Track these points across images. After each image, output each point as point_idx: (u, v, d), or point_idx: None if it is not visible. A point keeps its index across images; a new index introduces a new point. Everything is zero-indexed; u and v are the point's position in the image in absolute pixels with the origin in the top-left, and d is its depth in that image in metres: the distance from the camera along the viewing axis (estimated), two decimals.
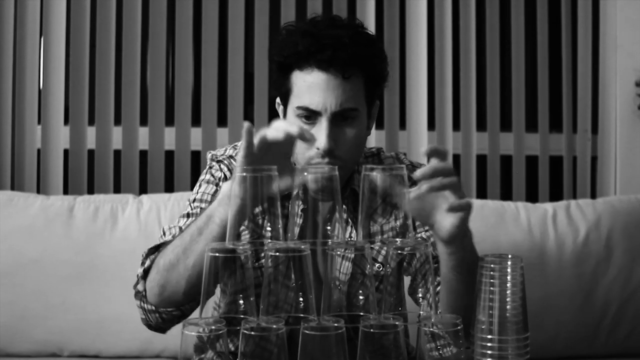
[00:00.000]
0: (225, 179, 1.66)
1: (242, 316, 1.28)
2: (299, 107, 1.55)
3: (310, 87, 1.54)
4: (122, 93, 2.71)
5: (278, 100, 1.67)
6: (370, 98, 1.62)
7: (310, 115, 1.55)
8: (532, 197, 2.85)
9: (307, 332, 1.16)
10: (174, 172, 2.73)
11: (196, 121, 2.76)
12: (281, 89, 1.61)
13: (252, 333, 1.18)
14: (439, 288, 1.54)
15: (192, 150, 2.74)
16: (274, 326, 1.18)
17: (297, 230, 1.58)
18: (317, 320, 1.21)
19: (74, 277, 2.26)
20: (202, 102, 2.74)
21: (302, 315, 1.26)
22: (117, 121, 2.72)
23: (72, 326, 2.25)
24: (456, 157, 2.82)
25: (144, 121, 2.73)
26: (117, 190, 2.70)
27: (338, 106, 1.53)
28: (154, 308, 1.55)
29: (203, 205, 1.64)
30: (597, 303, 2.35)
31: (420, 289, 1.64)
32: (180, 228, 1.61)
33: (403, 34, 2.81)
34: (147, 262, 1.57)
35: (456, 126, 2.83)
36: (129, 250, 2.27)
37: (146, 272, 1.56)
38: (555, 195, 2.87)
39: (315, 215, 1.55)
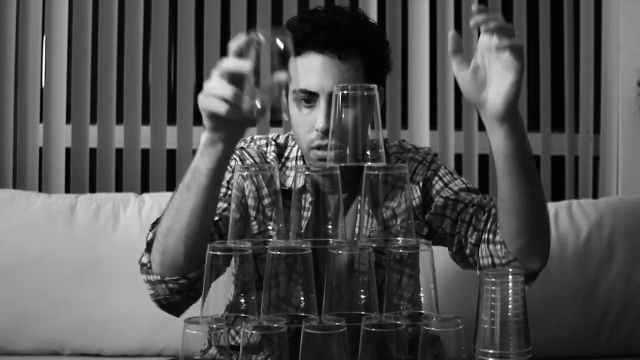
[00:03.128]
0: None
1: (243, 315, 1.28)
2: (295, 91, 1.56)
3: (307, 69, 1.55)
4: (124, 91, 2.71)
5: (283, 92, 1.67)
6: (370, 81, 1.61)
7: (309, 98, 1.55)
8: None
9: (308, 331, 1.16)
10: (175, 171, 2.73)
11: (198, 120, 2.75)
12: None
13: (254, 332, 1.18)
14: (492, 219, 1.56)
15: (194, 148, 2.74)
16: (275, 325, 1.18)
17: (304, 223, 1.58)
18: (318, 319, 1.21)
19: (76, 275, 2.26)
20: None
21: (303, 314, 1.26)
22: (119, 120, 2.72)
23: (73, 324, 2.25)
24: (458, 157, 2.82)
25: (145, 120, 2.73)
26: (118, 188, 2.70)
27: (335, 87, 1.52)
28: (159, 278, 1.52)
29: (222, 190, 1.62)
30: (599, 303, 2.35)
31: (471, 237, 1.61)
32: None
33: (405, 33, 2.81)
34: (150, 235, 1.55)
35: (458, 126, 2.83)
36: (131, 248, 2.26)
37: (149, 245, 1.54)
38: (557, 195, 2.86)
39: (326, 208, 1.55)
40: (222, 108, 1.26)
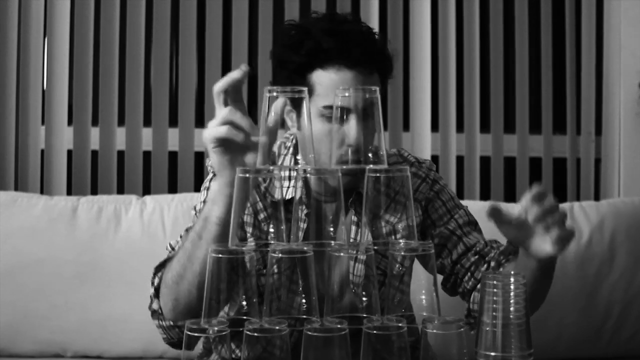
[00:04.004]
0: None
1: (245, 317, 1.28)
2: (326, 107, 1.53)
3: (338, 85, 1.52)
4: (126, 94, 2.71)
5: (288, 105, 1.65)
6: (384, 92, 1.62)
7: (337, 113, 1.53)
8: None
9: (309, 333, 1.16)
10: (177, 173, 2.73)
11: (200, 122, 2.76)
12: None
13: (256, 334, 1.18)
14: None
15: (196, 151, 2.74)
16: (277, 327, 1.18)
17: (301, 235, 1.57)
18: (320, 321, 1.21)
19: (77, 277, 2.26)
20: (206, 103, 2.74)
21: (305, 317, 1.26)
22: (121, 122, 2.72)
23: (75, 326, 2.25)
24: (459, 159, 2.82)
25: (147, 122, 2.74)
26: (120, 190, 2.70)
27: (365, 103, 1.50)
28: (172, 324, 1.53)
29: None
30: (600, 305, 2.35)
31: (467, 283, 1.66)
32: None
33: (407, 36, 2.81)
34: (156, 280, 1.56)
35: (460, 128, 2.83)
36: (132, 250, 2.27)
37: (157, 290, 1.54)
38: (559, 197, 2.86)
39: (320, 218, 1.55)
40: (239, 136, 1.32)
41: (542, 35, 2.86)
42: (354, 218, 1.65)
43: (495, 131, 2.84)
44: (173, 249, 1.63)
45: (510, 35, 2.87)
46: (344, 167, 1.41)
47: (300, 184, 1.56)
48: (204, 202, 1.66)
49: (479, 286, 1.59)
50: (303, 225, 1.59)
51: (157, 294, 1.55)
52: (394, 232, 1.61)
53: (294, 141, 1.71)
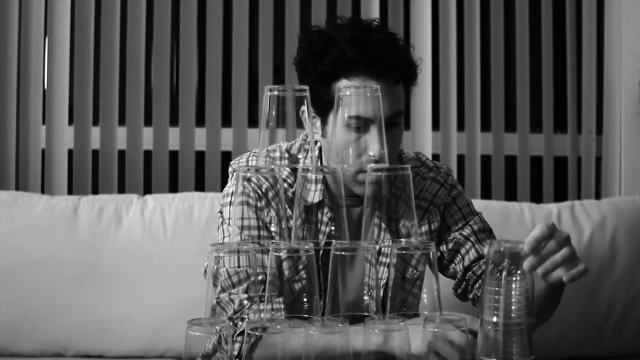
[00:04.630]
0: (259, 198, 1.62)
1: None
2: (351, 117, 1.51)
3: (363, 95, 1.49)
4: (127, 93, 2.71)
5: (311, 110, 1.58)
6: (407, 100, 1.63)
7: (361, 124, 1.52)
8: (536, 197, 2.85)
9: (311, 332, 1.16)
10: (178, 172, 2.73)
11: (200, 121, 2.76)
12: (323, 99, 1.58)
13: (257, 333, 1.17)
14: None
15: (197, 150, 2.74)
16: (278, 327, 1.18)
17: (322, 237, 1.58)
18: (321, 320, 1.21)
19: (78, 277, 2.26)
20: (207, 102, 2.74)
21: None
22: (122, 121, 2.72)
23: (76, 326, 2.25)
24: (460, 158, 2.82)
25: (148, 121, 2.73)
26: (121, 190, 2.70)
27: (390, 112, 1.53)
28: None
29: (252, 232, 1.61)
30: (602, 303, 2.35)
31: (478, 290, 1.67)
32: (247, 273, 1.55)
33: (407, 35, 2.80)
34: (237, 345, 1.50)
35: (460, 127, 2.82)
36: (133, 250, 2.27)
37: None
38: (560, 195, 2.86)
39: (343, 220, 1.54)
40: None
41: (543, 34, 2.86)
42: (377, 221, 1.64)
43: (496, 130, 2.84)
44: (230, 276, 1.58)
45: (511, 34, 2.87)
46: (344, 166, 1.41)
47: (319, 186, 1.56)
48: (251, 226, 1.63)
49: None
50: (326, 229, 1.59)
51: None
52: (399, 217, 1.62)
53: (318, 148, 1.70)
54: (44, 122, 2.69)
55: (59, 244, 2.27)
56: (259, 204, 1.62)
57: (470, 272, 1.70)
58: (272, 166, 1.54)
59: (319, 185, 1.59)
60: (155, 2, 2.72)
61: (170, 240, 2.28)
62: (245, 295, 1.54)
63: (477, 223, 1.74)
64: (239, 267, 1.56)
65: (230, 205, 1.66)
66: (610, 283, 2.35)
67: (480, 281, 1.67)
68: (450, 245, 1.72)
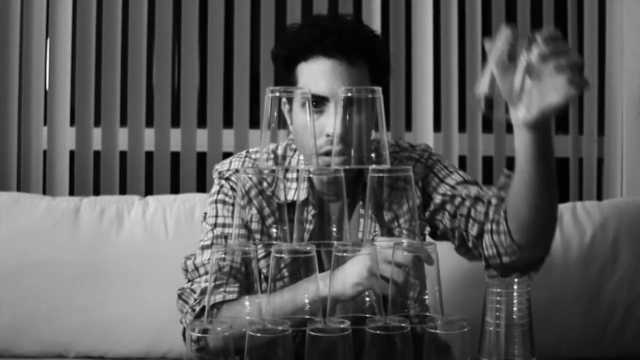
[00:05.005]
0: (241, 196, 1.62)
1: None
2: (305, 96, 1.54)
3: (316, 74, 1.55)
4: (128, 94, 2.71)
5: (284, 99, 1.66)
6: (375, 84, 1.61)
7: (317, 102, 1.54)
8: None
9: (313, 334, 1.16)
10: (179, 174, 2.73)
11: (202, 122, 2.76)
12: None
13: (258, 335, 1.18)
14: (494, 204, 1.55)
15: (198, 151, 2.74)
16: (280, 328, 1.18)
17: (306, 236, 1.58)
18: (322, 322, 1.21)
19: (80, 278, 2.26)
20: (208, 103, 2.74)
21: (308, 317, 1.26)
22: (123, 122, 2.72)
23: (77, 327, 2.25)
24: (462, 159, 2.82)
25: (149, 122, 2.73)
26: (122, 191, 2.70)
27: (339, 89, 1.52)
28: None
29: (227, 230, 1.64)
30: (604, 305, 2.34)
31: (472, 230, 1.60)
32: (219, 265, 1.57)
33: (409, 35, 2.80)
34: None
35: (462, 128, 2.82)
36: (135, 251, 2.28)
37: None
38: (562, 196, 2.85)
39: (326, 217, 1.55)
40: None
41: None
42: (362, 211, 1.64)
43: (498, 131, 2.83)
44: (196, 269, 1.63)
45: None
46: (347, 166, 1.41)
47: (304, 184, 1.57)
48: (225, 224, 1.66)
49: (487, 227, 1.56)
50: (309, 227, 1.59)
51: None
52: (396, 218, 1.61)
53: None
54: (45, 123, 2.69)
55: (60, 245, 2.27)
56: (241, 202, 1.64)
57: (457, 217, 1.63)
58: (275, 167, 1.55)
59: (302, 184, 1.60)
60: (157, 3, 2.72)
61: (171, 242, 2.28)
62: (212, 285, 1.56)
63: (456, 178, 1.69)
64: (208, 260, 1.61)
65: (210, 204, 1.70)
66: (612, 284, 2.35)
67: (471, 220, 1.60)
68: (433, 208, 1.67)
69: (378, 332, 1.18)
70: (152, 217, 2.32)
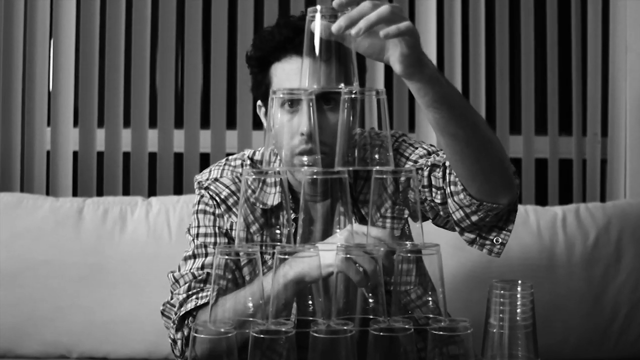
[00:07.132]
0: (217, 206, 1.66)
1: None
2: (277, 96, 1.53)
3: (289, 73, 1.53)
4: (132, 95, 2.72)
5: (259, 102, 1.66)
6: (350, 83, 1.58)
7: (292, 102, 1.49)
8: (541, 200, 2.84)
9: (316, 335, 1.16)
10: (182, 175, 2.73)
11: (205, 123, 2.76)
12: (261, 87, 1.61)
13: (262, 336, 1.17)
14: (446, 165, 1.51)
15: (201, 152, 2.74)
16: (283, 329, 1.18)
17: (284, 239, 1.57)
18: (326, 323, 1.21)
19: (83, 279, 2.26)
20: (211, 105, 2.74)
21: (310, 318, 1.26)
22: (127, 123, 2.72)
23: (80, 328, 2.26)
24: None
25: (153, 123, 2.74)
26: (126, 192, 2.70)
27: (321, 89, 1.48)
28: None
29: (208, 239, 1.64)
30: (607, 306, 2.34)
31: (436, 198, 1.55)
32: (194, 275, 1.61)
33: None
34: (185, 331, 1.56)
35: None
36: (138, 252, 2.28)
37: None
38: (565, 198, 2.86)
39: (313, 218, 1.54)
40: (363, 283, 1.27)
41: (548, 36, 2.85)
42: (342, 209, 1.61)
43: (501, 132, 2.83)
44: (177, 281, 1.63)
45: (515, 36, 2.87)
46: (350, 168, 1.40)
47: (277, 188, 1.57)
48: (207, 234, 1.66)
49: (447, 190, 1.51)
50: (285, 231, 1.58)
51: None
52: (398, 218, 1.60)
53: None
54: (49, 124, 2.69)
55: (63, 246, 2.28)
56: (217, 211, 1.65)
57: (420, 190, 1.57)
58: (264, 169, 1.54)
59: (275, 188, 1.60)
60: (161, 4, 2.73)
61: (174, 243, 2.29)
62: (185, 296, 1.58)
63: (419, 153, 1.64)
64: (188, 271, 1.61)
65: (192, 215, 1.70)
66: (615, 286, 2.35)
67: (433, 189, 1.55)
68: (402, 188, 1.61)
69: (382, 333, 1.18)
70: (156, 218, 2.32)
